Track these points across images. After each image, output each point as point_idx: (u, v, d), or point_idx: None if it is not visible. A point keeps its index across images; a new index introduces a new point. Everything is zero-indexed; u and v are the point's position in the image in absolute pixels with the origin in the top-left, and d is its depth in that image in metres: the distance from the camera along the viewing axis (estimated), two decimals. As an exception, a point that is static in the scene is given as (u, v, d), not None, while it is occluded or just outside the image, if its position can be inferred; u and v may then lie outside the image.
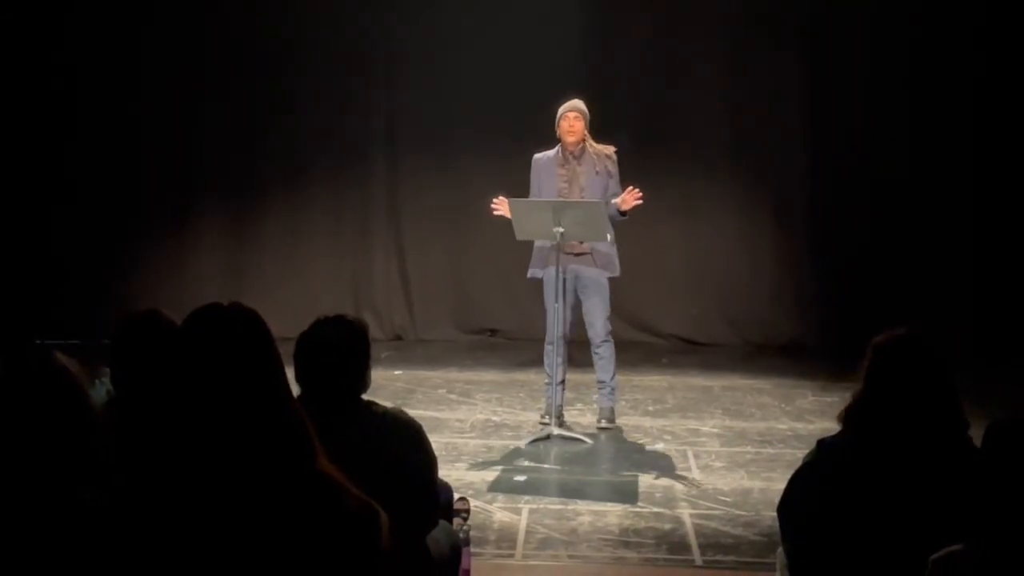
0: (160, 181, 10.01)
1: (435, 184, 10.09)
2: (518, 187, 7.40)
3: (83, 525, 2.18)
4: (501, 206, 7.02)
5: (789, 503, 3.54)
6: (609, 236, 7.06)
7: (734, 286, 10.01)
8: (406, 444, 3.61)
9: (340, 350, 3.54)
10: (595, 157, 7.16)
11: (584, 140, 7.15)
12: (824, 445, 3.48)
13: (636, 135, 8.83)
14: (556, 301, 7.05)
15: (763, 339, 9.96)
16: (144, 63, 9.90)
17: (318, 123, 9.98)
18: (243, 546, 2.12)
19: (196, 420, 2.14)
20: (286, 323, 5.32)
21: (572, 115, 7.11)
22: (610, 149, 7.23)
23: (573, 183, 7.15)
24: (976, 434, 3.37)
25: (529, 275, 7.32)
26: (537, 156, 7.30)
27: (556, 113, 7.21)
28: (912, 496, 3.28)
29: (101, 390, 3.92)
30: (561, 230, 6.82)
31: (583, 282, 7.25)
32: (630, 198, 7.04)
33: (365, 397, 3.67)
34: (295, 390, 2.70)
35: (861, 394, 3.40)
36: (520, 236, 7.09)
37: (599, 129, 7.23)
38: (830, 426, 3.58)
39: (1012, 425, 2.54)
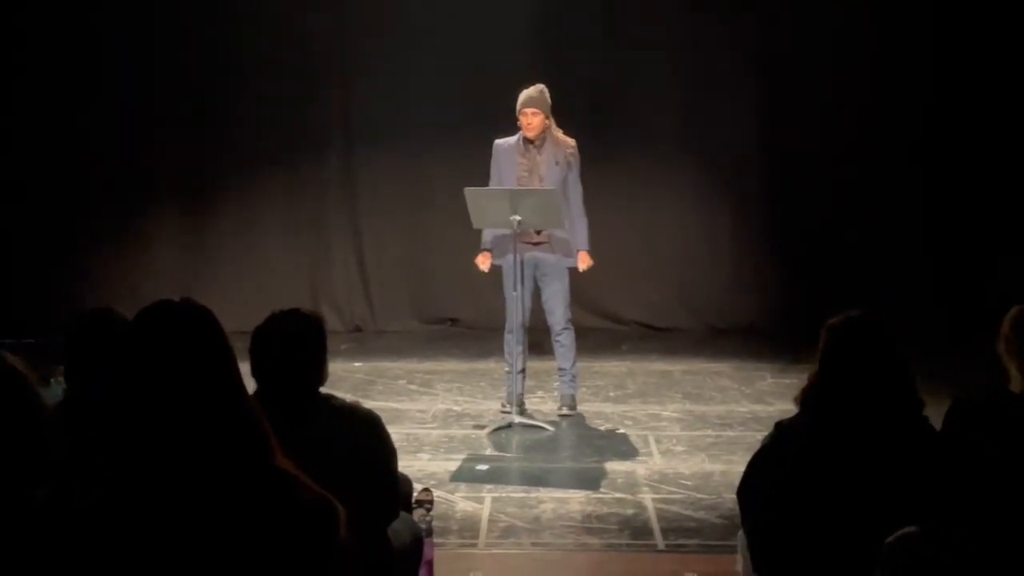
0: (113, 177, 9.90)
1: (392, 174, 10.05)
2: (475, 176, 7.39)
3: (37, 526, 2.16)
4: (483, 263, 7.20)
5: (748, 486, 3.56)
6: (567, 223, 7.06)
7: (693, 271, 10.04)
8: (364, 437, 3.61)
9: (295, 344, 3.53)
10: (555, 147, 7.15)
11: (545, 130, 7.13)
12: (782, 427, 3.51)
13: (591, 123, 8.81)
14: (514, 289, 7.05)
15: (722, 323, 10.00)
16: (94, 57, 9.79)
17: (272, 114, 9.90)
18: (200, 544, 2.11)
19: (149, 418, 2.13)
20: (244, 317, 5.28)
21: (530, 111, 7.07)
22: (571, 142, 7.21)
23: (533, 172, 7.15)
24: (934, 413, 3.41)
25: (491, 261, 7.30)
26: (498, 142, 7.28)
27: (515, 100, 7.17)
28: (869, 476, 3.31)
29: (57, 389, 3.89)
30: (518, 218, 6.82)
31: (543, 269, 7.25)
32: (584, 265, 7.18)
33: (323, 390, 3.66)
34: (251, 385, 2.69)
35: (817, 376, 3.43)
36: (477, 225, 7.09)
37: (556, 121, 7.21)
38: (790, 408, 3.61)
39: (971, 406, 2.55)
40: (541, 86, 7.15)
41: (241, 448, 2.15)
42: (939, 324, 9.12)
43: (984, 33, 9.52)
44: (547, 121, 7.12)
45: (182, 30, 9.83)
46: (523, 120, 7.10)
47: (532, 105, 7.07)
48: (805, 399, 3.47)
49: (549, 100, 7.14)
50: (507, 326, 7.22)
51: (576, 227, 7.17)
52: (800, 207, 9.82)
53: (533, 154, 7.16)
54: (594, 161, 7.44)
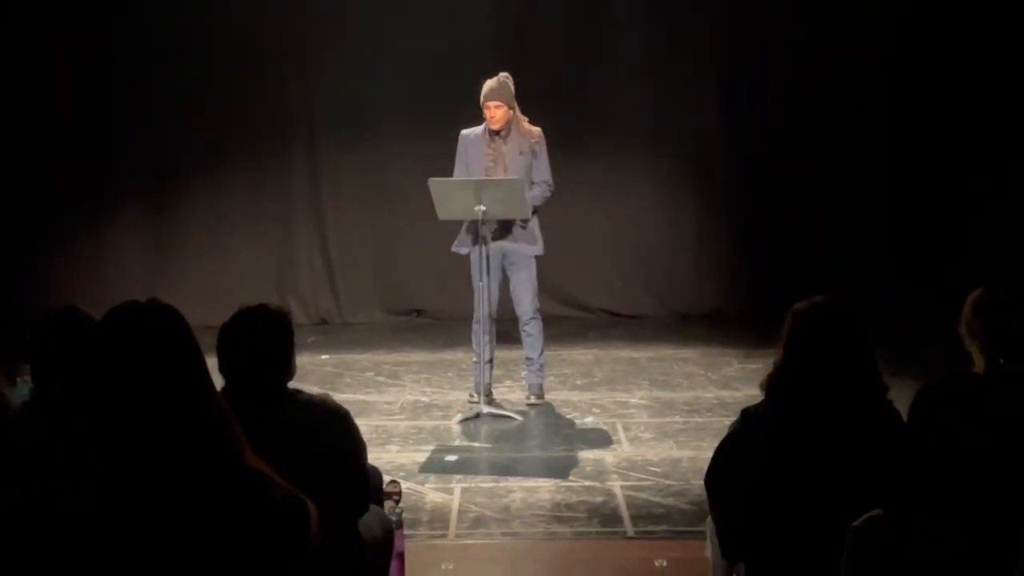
0: (76, 173, 9.83)
1: (355, 166, 10.02)
2: (439, 167, 7.38)
3: (3, 526, 2.15)
4: None
5: (716, 473, 3.59)
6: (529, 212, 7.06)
7: (657, 258, 10.07)
8: (333, 431, 3.61)
9: (262, 339, 3.53)
10: (520, 136, 7.14)
11: (510, 121, 7.12)
12: (748, 414, 3.54)
13: (554, 112, 8.79)
14: (480, 279, 7.05)
15: (687, 309, 10.04)
16: (55, 50, 9.71)
17: (235, 108, 9.85)
18: (169, 544, 2.11)
19: (118, 419, 2.12)
20: (210, 312, 5.28)
21: (493, 104, 7.04)
22: (536, 130, 7.20)
23: (499, 162, 7.13)
24: (897, 396, 3.44)
25: (453, 248, 7.29)
26: (465, 132, 7.25)
27: (479, 89, 7.14)
28: (835, 461, 3.34)
29: (23, 388, 3.87)
30: (483, 208, 6.81)
31: (510, 259, 7.25)
32: None
33: (291, 385, 3.66)
34: (219, 381, 2.68)
35: (782, 361, 3.46)
36: (443, 216, 7.07)
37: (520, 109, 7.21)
38: (756, 393, 3.63)
39: (937, 390, 2.58)
40: (504, 76, 7.12)
41: (211, 448, 2.15)
42: (902, 309, 9.19)
43: (941, 13, 9.59)
44: (511, 112, 7.10)
45: (142, 25, 9.75)
46: (486, 113, 7.09)
47: (494, 98, 7.05)
48: (771, 385, 3.50)
49: (513, 89, 7.10)
50: (475, 316, 7.22)
51: (532, 190, 7.11)
52: (763, 193, 9.86)
53: (499, 144, 7.15)
54: (557, 150, 7.42)
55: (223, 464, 2.14)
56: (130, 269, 9.78)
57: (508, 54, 8.89)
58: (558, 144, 7.62)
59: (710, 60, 9.91)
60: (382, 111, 9.83)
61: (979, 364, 3.74)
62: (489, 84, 7.10)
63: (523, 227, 7.12)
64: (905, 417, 2.62)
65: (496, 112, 7.05)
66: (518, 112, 7.16)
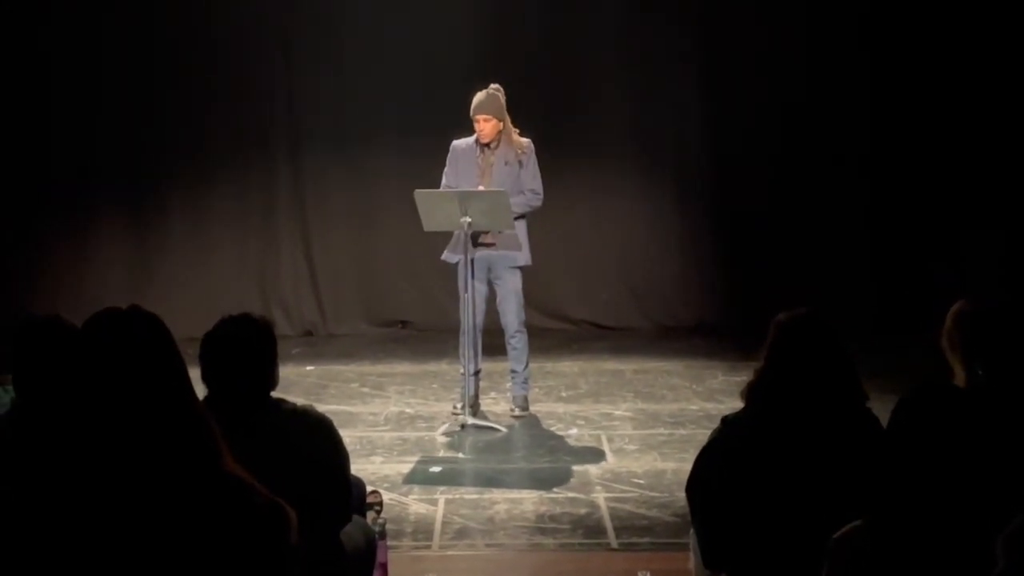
0: (59, 181, 9.80)
1: (340, 176, 10.01)
2: (424, 178, 7.39)
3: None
4: None
5: (696, 481, 3.60)
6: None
7: (642, 270, 10.08)
8: (316, 440, 3.61)
9: (245, 349, 3.53)
10: (508, 147, 7.16)
11: (500, 133, 7.14)
12: (728, 422, 3.55)
13: (538, 126, 8.82)
14: (465, 291, 7.06)
15: (672, 322, 10.05)
16: (39, 58, 9.69)
17: (220, 117, 9.84)
18: (150, 550, 2.11)
19: (99, 425, 2.12)
20: (193, 322, 5.27)
21: (482, 118, 7.07)
22: (525, 142, 7.22)
23: (486, 173, 7.17)
24: (877, 407, 3.46)
25: (443, 257, 7.29)
26: (456, 143, 7.27)
27: (464, 99, 7.15)
28: (815, 469, 3.36)
29: (5, 397, 3.86)
30: (468, 220, 6.83)
31: (495, 272, 7.26)
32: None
33: (275, 395, 3.66)
34: (201, 390, 2.68)
35: (763, 370, 3.48)
36: (428, 227, 7.08)
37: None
38: (740, 405, 3.64)
39: (918, 400, 2.59)
40: (494, 89, 7.13)
41: (190, 454, 2.15)
42: (882, 319, 9.23)
43: (915, 25, 9.64)
44: (500, 125, 7.12)
45: (128, 35, 9.74)
46: (476, 126, 7.12)
47: (482, 111, 7.07)
48: (751, 393, 3.52)
49: (503, 102, 7.12)
50: (461, 327, 7.22)
51: (514, 198, 7.08)
52: (745, 205, 9.87)
53: (488, 155, 7.18)
54: (540, 162, 7.43)
55: (202, 469, 2.15)
56: (114, 280, 9.75)
57: (492, 67, 8.87)
58: (541, 156, 7.62)
59: (693, 71, 9.93)
60: (367, 122, 9.82)
61: (959, 375, 3.75)
62: (478, 97, 7.11)
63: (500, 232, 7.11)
64: (885, 426, 2.63)
65: (485, 125, 7.08)
66: (508, 124, 7.18)
